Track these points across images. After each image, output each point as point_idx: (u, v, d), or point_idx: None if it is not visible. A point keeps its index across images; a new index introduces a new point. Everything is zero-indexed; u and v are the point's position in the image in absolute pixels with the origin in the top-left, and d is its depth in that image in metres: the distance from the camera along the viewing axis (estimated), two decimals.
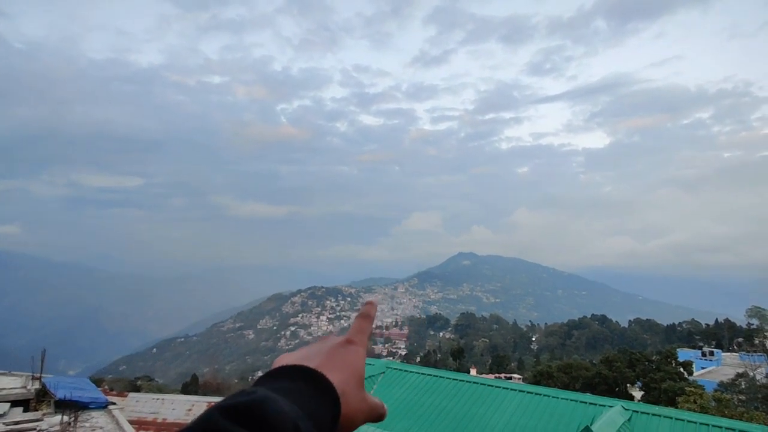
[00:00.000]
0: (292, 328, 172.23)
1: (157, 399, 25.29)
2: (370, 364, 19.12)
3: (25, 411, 12.20)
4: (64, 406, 11.49)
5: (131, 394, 26.76)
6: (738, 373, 34.82)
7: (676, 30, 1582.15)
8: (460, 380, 15.87)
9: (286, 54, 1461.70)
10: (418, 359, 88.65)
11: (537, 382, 39.15)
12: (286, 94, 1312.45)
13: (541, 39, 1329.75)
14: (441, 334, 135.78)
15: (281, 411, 0.83)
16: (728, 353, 55.55)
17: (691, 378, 39.85)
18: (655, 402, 31.30)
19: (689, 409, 22.71)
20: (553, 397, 14.29)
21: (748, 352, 43.44)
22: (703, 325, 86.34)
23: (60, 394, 12.18)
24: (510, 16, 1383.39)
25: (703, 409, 23.99)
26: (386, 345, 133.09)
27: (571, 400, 13.98)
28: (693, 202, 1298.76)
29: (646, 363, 41.08)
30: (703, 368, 47.61)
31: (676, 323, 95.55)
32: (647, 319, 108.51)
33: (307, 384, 0.83)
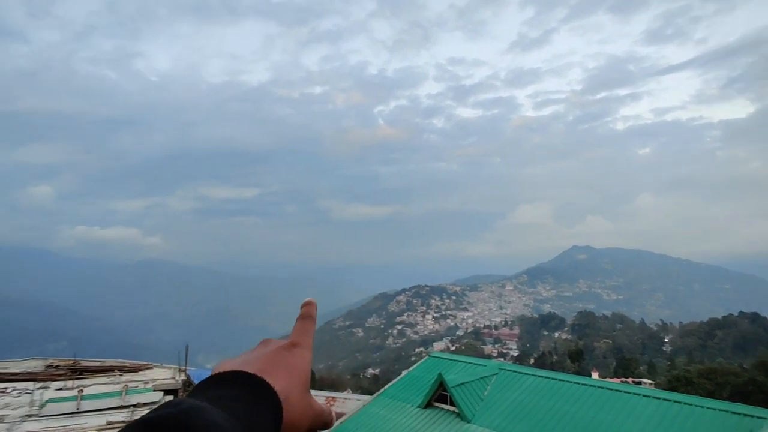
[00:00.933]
0: (399, 327, 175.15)
1: None
2: (482, 365, 18.59)
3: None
4: None
5: None
6: None
7: None
8: (582, 384, 14.64)
9: (380, 57, 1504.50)
10: (532, 361, 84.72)
11: (673, 389, 34.90)
12: (383, 96, 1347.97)
13: (659, 2, 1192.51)
14: (556, 334, 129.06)
15: (210, 422, 0.78)
16: None
17: None
18: None
19: None
20: (696, 405, 12.54)
21: None
22: None
23: None
24: None
25: None
26: (496, 346, 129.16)
27: (720, 410, 12.14)
28: None
29: None
30: None
31: None
32: None
33: (246, 391, 0.79)
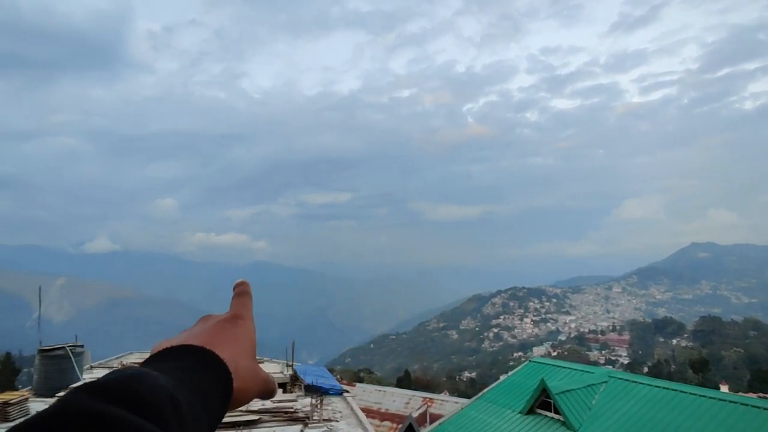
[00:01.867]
0: (495, 330, 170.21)
1: (380, 390, 28.11)
2: (589, 372, 17.47)
3: (283, 392, 15.01)
4: (310, 390, 13.71)
5: (358, 384, 30.44)
6: None
7: None
8: (710, 397, 13.12)
9: (468, 54, 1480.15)
10: (646, 370, 77.69)
11: None
12: (471, 94, 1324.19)
13: None
14: (674, 341, 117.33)
15: (156, 385, 0.79)
16: None
17: None
18: None
19: None
20: None
21: None
22: None
23: (308, 379, 14.56)
24: None
25: None
26: (603, 352, 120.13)
27: None
28: None
29: None
30: None
31: None
32: None
33: (194, 361, 0.80)
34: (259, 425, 11.12)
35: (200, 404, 0.80)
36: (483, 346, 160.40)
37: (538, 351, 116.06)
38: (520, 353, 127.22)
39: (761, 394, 44.40)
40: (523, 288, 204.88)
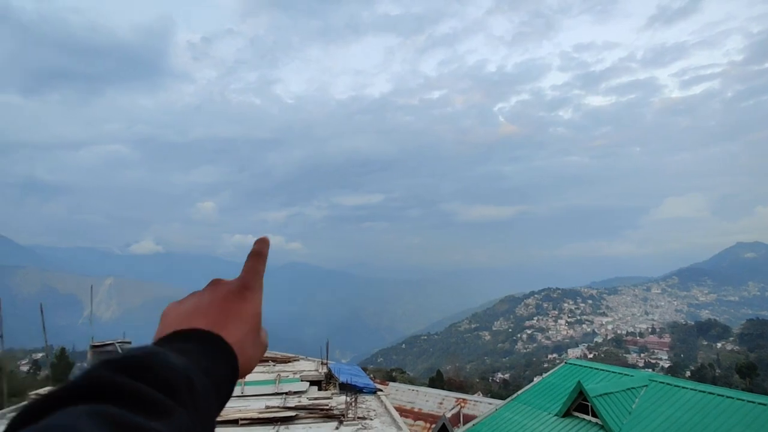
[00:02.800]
0: (528, 331, 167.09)
1: (413, 390, 28.16)
2: (628, 375, 17.00)
3: (318, 390, 15.30)
4: (345, 388, 13.92)
5: (390, 384, 30.55)
6: None
7: None
8: (759, 403, 12.55)
9: (499, 53, 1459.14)
10: (688, 374, 74.86)
11: None
12: (503, 93, 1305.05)
13: None
14: (718, 344, 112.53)
15: (173, 363, 0.83)
16: None
17: None
18: None
19: None
20: None
21: None
22: None
23: (342, 378, 14.80)
24: None
25: None
26: (642, 355, 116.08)
27: None
28: None
29: None
30: None
31: None
32: None
33: (203, 344, 0.84)
34: (295, 422, 11.39)
35: (210, 385, 0.84)
36: (516, 347, 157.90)
37: (573, 353, 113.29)
38: (554, 355, 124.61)
39: None
40: (558, 289, 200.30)
